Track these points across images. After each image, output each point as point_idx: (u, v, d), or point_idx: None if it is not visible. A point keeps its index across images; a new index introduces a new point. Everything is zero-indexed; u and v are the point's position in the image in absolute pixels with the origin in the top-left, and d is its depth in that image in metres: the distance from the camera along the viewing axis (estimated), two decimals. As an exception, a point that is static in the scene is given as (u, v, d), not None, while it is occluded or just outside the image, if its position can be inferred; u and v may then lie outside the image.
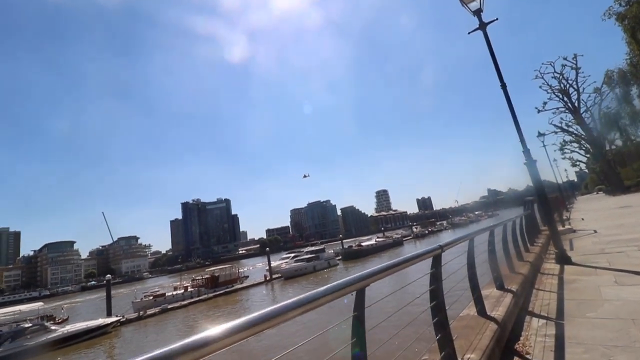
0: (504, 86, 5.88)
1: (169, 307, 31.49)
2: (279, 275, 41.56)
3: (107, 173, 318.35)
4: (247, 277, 43.97)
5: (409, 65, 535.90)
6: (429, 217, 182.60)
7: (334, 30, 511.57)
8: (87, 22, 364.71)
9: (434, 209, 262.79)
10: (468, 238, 3.69)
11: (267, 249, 51.02)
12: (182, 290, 35.82)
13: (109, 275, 27.78)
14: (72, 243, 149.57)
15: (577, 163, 44.06)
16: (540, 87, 39.91)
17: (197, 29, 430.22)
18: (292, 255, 51.88)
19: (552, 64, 40.12)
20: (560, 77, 39.52)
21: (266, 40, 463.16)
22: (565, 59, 39.45)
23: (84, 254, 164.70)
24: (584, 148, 41.23)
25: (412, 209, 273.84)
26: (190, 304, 32.81)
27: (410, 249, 59.62)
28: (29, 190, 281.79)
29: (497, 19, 5.87)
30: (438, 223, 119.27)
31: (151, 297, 33.65)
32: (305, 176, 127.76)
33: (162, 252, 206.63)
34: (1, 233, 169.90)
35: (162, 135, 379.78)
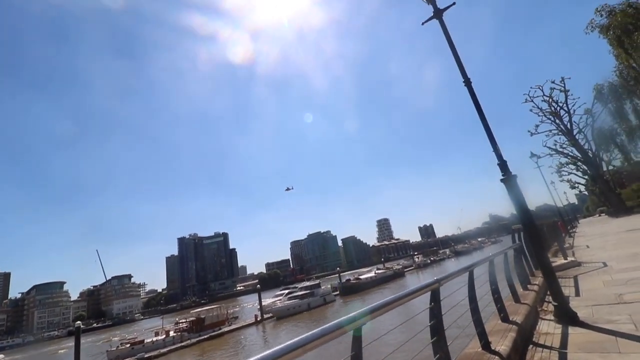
0: (467, 82, 4.71)
1: (146, 356, 28.70)
2: (271, 315, 38.72)
3: (101, 208, 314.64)
4: (237, 317, 41.09)
5: (406, 94, 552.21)
6: (431, 245, 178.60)
7: (337, 60, 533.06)
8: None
9: (437, 236, 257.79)
10: (467, 270, 3.63)
11: (258, 286, 48.35)
12: (164, 336, 32.98)
13: (78, 322, 25.34)
14: (62, 284, 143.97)
15: (576, 185, 42.80)
16: (530, 110, 39.64)
17: (197, 66, 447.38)
18: (287, 291, 49.00)
19: (540, 87, 40.17)
20: (550, 100, 39.36)
21: (265, 66, 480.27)
22: (553, 82, 39.50)
23: (75, 295, 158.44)
24: (580, 170, 40.18)
25: (415, 237, 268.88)
26: (170, 351, 30.01)
27: (412, 281, 56.62)
28: (19, 227, 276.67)
29: (454, 3, 4.84)
30: (441, 251, 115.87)
31: (128, 345, 30.85)
32: (288, 189, 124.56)
33: (158, 290, 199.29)
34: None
35: (158, 168, 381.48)
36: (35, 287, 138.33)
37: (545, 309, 5.04)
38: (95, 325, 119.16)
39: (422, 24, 5.05)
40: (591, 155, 37.32)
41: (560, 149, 39.26)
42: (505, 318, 3.99)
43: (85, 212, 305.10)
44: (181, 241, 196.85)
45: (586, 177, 40.76)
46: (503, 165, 4.44)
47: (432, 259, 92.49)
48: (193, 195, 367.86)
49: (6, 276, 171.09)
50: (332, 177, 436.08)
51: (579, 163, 39.12)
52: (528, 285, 5.55)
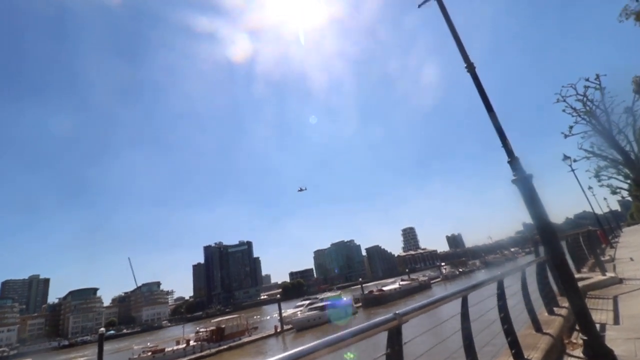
0: (470, 68, 4.01)
1: (166, 365, 28.90)
2: (291, 326, 38.03)
3: (131, 217, 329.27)
4: (257, 328, 40.66)
5: (432, 103, 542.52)
6: (460, 256, 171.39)
7: (356, 68, 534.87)
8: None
9: (466, 246, 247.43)
10: (495, 280, 3.61)
11: (278, 296, 47.83)
12: (184, 345, 33.13)
13: (102, 330, 25.93)
14: (95, 290, 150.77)
15: (618, 190, 39.21)
16: (563, 110, 36.94)
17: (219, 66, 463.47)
18: (307, 302, 48.14)
19: (573, 86, 37.44)
20: (585, 99, 36.55)
21: (296, 79, 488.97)
22: (587, 79, 36.70)
23: (107, 300, 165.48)
24: (622, 173, 36.81)
25: (442, 247, 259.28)
26: (190, 360, 30.05)
27: (439, 294, 53.76)
28: (57, 235, 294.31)
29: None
30: (470, 262, 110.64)
31: (149, 353, 31.21)
32: (301, 190, 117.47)
33: (186, 297, 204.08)
34: (32, 280, 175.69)
35: (185, 177, 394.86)
36: (71, 292, 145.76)
37: (575, 341, 3.94)
38: (125, 331, 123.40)
39: (419, 6, 4.46)
40: (633, 157, 34.12)
41: (599, 152, 36.22)
42: (518, 355, 3.18)
43: (117, 221, 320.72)
44: (207, 249, 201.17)
45: (629, 181, 37.30)
46: (514, 162, 3.63)
47: (460, 270, 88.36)
48: (219, 204, 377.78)
49: (46, 282, 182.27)
50: (356, 185, 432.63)
51: (620, 166, 35.86)
52: (555, 309, 4.58)
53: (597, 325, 4.10)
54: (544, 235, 3.48)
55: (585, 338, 3.24)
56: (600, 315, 4.60)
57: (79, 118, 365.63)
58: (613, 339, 3.77)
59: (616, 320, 4.75)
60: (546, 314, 4.45)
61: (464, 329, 2.85)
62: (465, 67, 4.01)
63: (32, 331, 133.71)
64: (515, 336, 3.17)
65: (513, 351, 3.30)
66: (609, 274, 7.59)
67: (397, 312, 2.24)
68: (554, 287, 4.92)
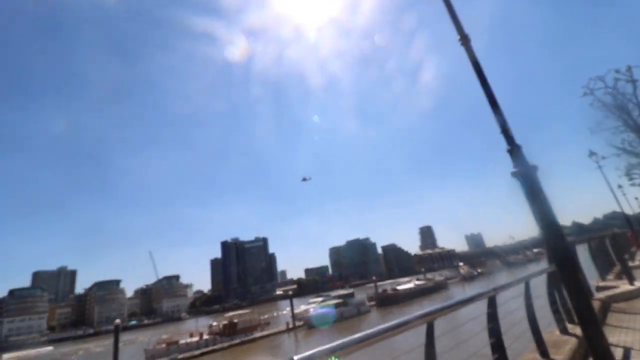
0: (464, 40, 3.40)
1: (180, 357, 29.40)
2: (302, 323, 37.94)
3: (151, 210, 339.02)
4: (269, 323, 40.86)
5: (450, 95, 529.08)
6: (479, 256, 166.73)
7: (386, 61, 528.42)
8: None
9: (486, 246, 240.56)
10: (523, 281, 3.70)
11: (290, 292, 47.96)
12: (197, 338, 33.68)
13: (117, 321, 26.60)
14: (118, 282, 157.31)
15: (651, 189, 36.67)
16: (591, 104, 34.81)
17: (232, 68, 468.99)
18: (320, 299, 47.93)
19: (602, 78, 35.20)
20: (615, 92, 34.25)
21: (312, 74, 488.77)
22: (617, 71, 34.40)
23: (130, 292, 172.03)
24: (655, 171, 34.32)
25: (461, 246, 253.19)
26: (202, 354, 30.48)
27: (456, 295, 52.45)
28: (85, 228, 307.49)
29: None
30: (489, 262, 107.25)
31: (164, 345, 31.88)
32: (304, 179, 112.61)
33: (204, 290, 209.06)
34: (60, 272, 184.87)
35: (205, 173, 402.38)
36: (95, 284, 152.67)
37: None
38: (146, 322, 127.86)
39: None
40: (669, 155, 31.72)
41: (630, 148, 33.90)
42: (564, 330, 3.28)
43: (140, 216, 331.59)
44: (224, 245, 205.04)
45: (663, 179, 34.79)
46: (515, 152, 2.91)
47: (479, 270, 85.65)
48: (236, 200, 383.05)
49: (73, 273, 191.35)
50: (373, 183, 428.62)
51: (654, 164, 33.47)
52: (569, 326, 3.86)
53: (621, 350, 3.44)
54: (549, 239, 2.74)
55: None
56: (625, 336, 3.90)
57: (95, 118, 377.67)
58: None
59: None
60: (558, 332, 3.81)
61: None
62: (459, 40, 3.43)
63: (60, 320, 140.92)
64: (541, 336, 3.04)
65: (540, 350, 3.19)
66: (638, 283, 6.61)
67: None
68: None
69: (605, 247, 8.58)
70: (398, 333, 1.83)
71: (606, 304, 5.46)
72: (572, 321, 3.70)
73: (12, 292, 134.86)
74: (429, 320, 2.19)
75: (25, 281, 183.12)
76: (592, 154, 18.28)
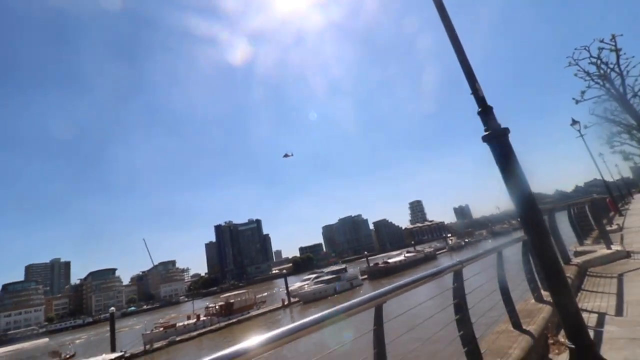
0: None
1: (177, 339, 29.87)
2: (298, 299, 38.86)
3: (143, 199, 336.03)
4: (265, 302, 41.68)
5: (438, 69, 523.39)
6: (467, 227, 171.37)
7: (363, 44, 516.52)
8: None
9: (473, 217, 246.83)
10: (494, 252, 3.58)
11: (284, 271, 48.74)
12: (195, 320, 34.18)
13: (112, 308, 26.68)
14: (114, 270, 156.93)
15: (631, 157, 37.61)
16: (575, 74, 34.71)
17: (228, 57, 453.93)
18: (314, 276, 48.96)
19: (587, 48, 34.98)
20: (599, 61, 34.21)
21: (301, 59, 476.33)
22: (601, 41, 34.23)
23: (126, 280, 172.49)
24: (635, 139, 35.08)
25: (450, 218, 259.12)
26: (200, 334, 31.05)
27: (444, 264, 54.07)
28: (75, 220, 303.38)
29: None
30: (477, 232, 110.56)
31: (162, 329, 32.25)
32: (286, 155, 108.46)
33: (201, 274, 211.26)
34: (54, 264, 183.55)
35: (194, 159, 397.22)
36: (91, 273, 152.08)
37: (563, 340, 2.94)
38: (145, 307, 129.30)
39: None
40: (649, 123, 32.27)
41: (612, 117, 34.39)
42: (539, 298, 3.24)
43: (131, 203, 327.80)
44: (218, 228, 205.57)
45: (642, 146, 35.62)
46: (486, 113, 2.75)
47: (466, 240, 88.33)
48: (228, 184, 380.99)
49: (67, 265, 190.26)
50: (363, 160, 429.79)
51: (634, 131, 34.07)
52: (544, 293, 3.85)
53: (595, 316, 3.46)
54: (520, 206, 2.61)
55: (572, 346, 2.38)
56: (599, 301, 3.92)
57: (84, 110, 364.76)
58: (613, 338, 2.97)
59: (619, 310, 3.76)
60: (533, 300, 3.81)
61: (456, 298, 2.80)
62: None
63: (58, 311, 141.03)
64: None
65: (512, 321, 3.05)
66: (615, 247, 6.67)
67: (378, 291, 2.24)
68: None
69: (584, 213, 8.74)
70: (350, 316, 1.75)
71: (583, 269, 5.54)
72: (547, 288, 3.73)
73: (5, 287, 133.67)
74: (378, 304, 2.04)
75: (18, 275, 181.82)
76: (574, 122, 18.36)
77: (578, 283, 4.75)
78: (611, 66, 34.53)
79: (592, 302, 3.93)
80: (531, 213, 2.56)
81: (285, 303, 38.65)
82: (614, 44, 33.77)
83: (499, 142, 2.68)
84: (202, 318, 34.65)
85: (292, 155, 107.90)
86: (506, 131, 2.72)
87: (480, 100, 2.80)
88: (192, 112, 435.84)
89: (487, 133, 2.75)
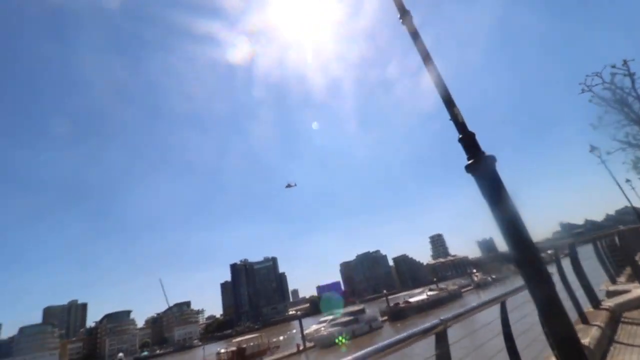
0: (404, 16, 2.88)
1: (186, 389, 28.27)
2: (313, 343, 36.65)
3: (158, 239, 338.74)
4: (279, 347, 39.54)
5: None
6: (492, 261, 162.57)
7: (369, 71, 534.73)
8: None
9: (498, 250, 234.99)
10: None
11: (299, 313, 46.76)
12: (206, 367, 32.61)
13: (120, 354, 25.75)
14: (128, 312, 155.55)
15: (661, 181, 35.44)
16: (590, 100, 34.28)
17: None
18: (330, 317, 46.51)
19: (599, 74, 34.81)
20: (613, 87, 33.75)
21: (314, 94, 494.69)
22: (613, 66, 33.98)
23: (140, 322, 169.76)
24: (662, 162, 33.29)
25: (473, 252, 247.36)
26: (210, 384, 29.39)
27: (471, 303, 50.45)
28: (92, 260, 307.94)
29: None
30: (504, 267, 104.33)
31: (171, 377, 30.80)
32: (289, 186, 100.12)
33: (216, 315, 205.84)
34: (71, 306, 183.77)
35: (210, 197, 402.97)
36: (106, 316, 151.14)
37: None
38: (158, 352, 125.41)
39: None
40: (675, 146, 30.75)
41: (635, 141, 33.08)
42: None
43: (146, 243, 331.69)
44: (233, 267, 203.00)
45: (671, 170, 33.68)
46: (467, 140, 2.41)
47: (493, 277, 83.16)
48: (244, 222, 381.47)
49: (84, 307, 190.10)
50: (380, 196, 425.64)
51: (660, 155, 32.46)
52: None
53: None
54: (514, 248, 2.16)
55: None
56: (636, 356, 3.21)
57: (96, 137, 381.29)
58: None
59: None
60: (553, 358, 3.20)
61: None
62: (399, 18, 2.89)
63: (72, 355, 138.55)
64: None
65: None
66: None
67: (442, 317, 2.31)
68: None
69: (614, 245, 7.84)
70: (404, 347, 1.84)
71: (616, 314, 4.75)
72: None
73: (22, 330, 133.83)
74: (439, 331, 2.07)
75: (36, 317, 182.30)
76: (593, 149, 17.70)
77: (610, 333, 3.97)
78: (627, 90, 33.90)
79: (623, 357, 3.23)
80: (529, 258, 2.09)
81: (301, 348, 36.49)
82: (627, 68, 33.45)
83: (484, 172, 2.34)
84: (213, 365, 33.04)
85: (295, 185, 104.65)
86: (492, 159, 2.37)
87: (461, 126, 2.52)
88: (204, 133, 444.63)
89: (470, 162, 2.43)
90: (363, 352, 1.89)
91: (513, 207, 2.24)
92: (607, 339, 3.79)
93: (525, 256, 2.13)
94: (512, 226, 2.19)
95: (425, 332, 2.12)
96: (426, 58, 2.78)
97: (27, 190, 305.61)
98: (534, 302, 2.06)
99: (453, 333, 2.58)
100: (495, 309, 3.23)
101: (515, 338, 2.89)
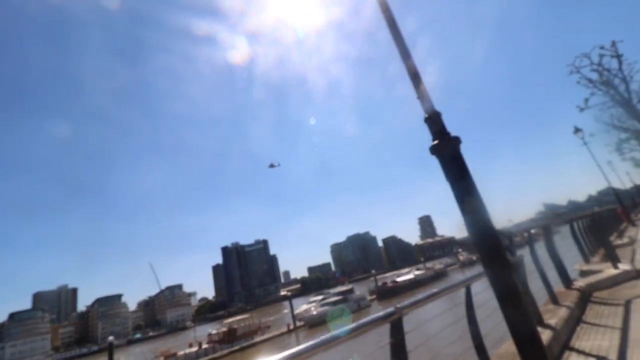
0: None
1: (178, 369, 28.80)
2: (303, 323, 37.53)
3: (149, 223, 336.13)
4: (269, 327, 40.29)
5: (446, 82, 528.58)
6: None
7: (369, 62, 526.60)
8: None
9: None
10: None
11: (289, 294, 47.59)
12: (196, 348, 33.04)
13: (110, 338, 25.94)
14: (120, 296, 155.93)
15: (642, 163, 36.39)
16: (578, 82, 34.36)
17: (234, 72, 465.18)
18: (320, 297, 47.54)
19: (587, 55, 34.75)
20: (600, 68, 33.83)
21: (312, 76, 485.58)
22: (602, 47, 33.93)
23: (132, 305, 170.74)
24: (645, 145, 34.04)
25: (460, 233, 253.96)
26: (202, 364, 29.94)
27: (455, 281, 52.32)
28: (82, 245, 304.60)
29: None
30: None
31: (162, 358, 31.20)
32: (272, 166, 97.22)
33: (209, 297, 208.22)
34: (61, 291, 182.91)
35: (201, 180, 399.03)
36: (97, 300, 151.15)
37: None
38: (151, 334, 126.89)
39: None
40: (658, 127, 31.42)
41: (619, 123, 33.61)
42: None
43: (137, 227, 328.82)
44: (224, 250, 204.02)
45: (653, 152, 34.54)
46: (433, 120, 2.26)
47: (477, 255, 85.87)
48: (235, 204, 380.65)
49: (74, 292, 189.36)
50: (369, 177, 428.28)
51: (643, 137, 33.15)
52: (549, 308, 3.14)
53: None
54: (474, 233, 2.10)
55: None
56: (600, 338, 3.16)
57: (88, 126, 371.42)
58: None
59: (622, 350, 2.92)
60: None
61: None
62: None
63: (64, 339, 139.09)
64: None
65: None
66: (623, 266, 5.69)
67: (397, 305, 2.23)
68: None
69: (590, 226, 7.99)
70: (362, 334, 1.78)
71: (586, 294, 4.83)
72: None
73: (12, 316, 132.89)
74: (394, 319, 2.04)
75: (26, 303, 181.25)
76: (577, 130, 17.88)
77: (578, 313, 4.01)
78: (614, 72, 34.06)
79: (591, 341, 3.21)
80: (490, 244, 2.00)
81: (291, 327, 37.31)
82: (614, 50, 33.48)
83: (448, 153, 2.21)
84: (204, 346, 33.53)
85: (278, 165, 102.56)
86: (456, 141, 2.24)
87: (429, 106, 2.36)
88: (199, 124, 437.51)
89: (434, 143, 2.29)
90: (312, 343, 1.75)
91: (476, 191, 2.13)
92: (575, 319, 3.83)
93: (485, 243, 2.04)
94: (474, 210, 2.08)
95: (379, 320, 2.07)
96: (395, 32, 2.58)
97: (15, 175, 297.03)
98: (492, 289, 1.99)
99: (418, 318, 2.54)
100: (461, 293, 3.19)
101: (480, 323, 2.83)
